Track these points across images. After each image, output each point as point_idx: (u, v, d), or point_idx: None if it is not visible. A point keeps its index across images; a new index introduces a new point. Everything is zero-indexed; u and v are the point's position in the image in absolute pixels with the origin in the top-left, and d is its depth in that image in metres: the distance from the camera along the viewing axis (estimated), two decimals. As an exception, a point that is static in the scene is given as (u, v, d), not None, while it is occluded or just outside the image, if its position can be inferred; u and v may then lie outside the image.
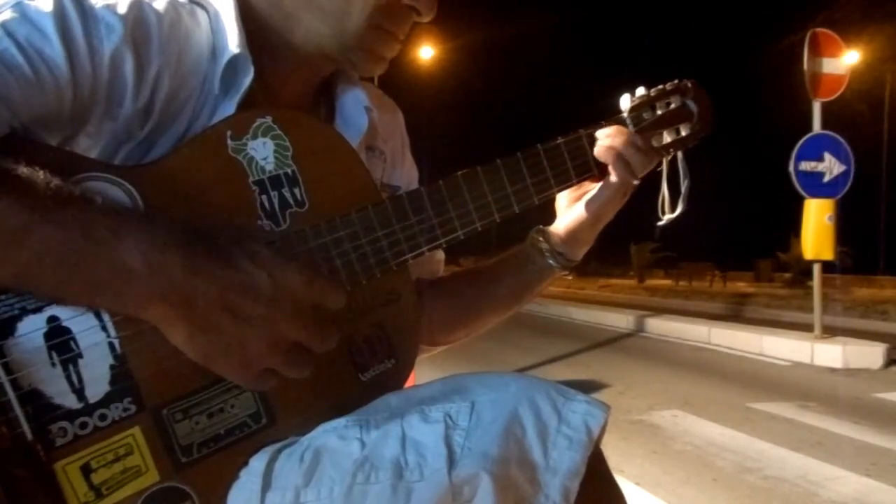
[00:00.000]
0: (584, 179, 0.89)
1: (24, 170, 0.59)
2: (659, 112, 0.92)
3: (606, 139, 0.87)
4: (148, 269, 0.59)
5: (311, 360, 0.66)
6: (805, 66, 6.48)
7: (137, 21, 0.70)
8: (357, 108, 0.86)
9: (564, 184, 0.87)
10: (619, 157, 0.86)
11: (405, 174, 0.97)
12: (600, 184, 0.90)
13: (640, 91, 0.92)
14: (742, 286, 17.87)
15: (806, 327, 7.02)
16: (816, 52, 6.49)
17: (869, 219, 26.29)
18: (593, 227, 0.92)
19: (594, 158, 0.88)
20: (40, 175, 0.60)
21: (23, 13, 0.65)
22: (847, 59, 6.95)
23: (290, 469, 0.67)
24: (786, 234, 16.39)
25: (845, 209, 7.08)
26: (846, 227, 7.92)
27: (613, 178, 0.87)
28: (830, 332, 6.70)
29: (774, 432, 3.95)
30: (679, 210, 0.95)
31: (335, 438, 0.69)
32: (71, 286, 0.59)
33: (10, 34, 0.64)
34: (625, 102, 0.91)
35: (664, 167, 0.94)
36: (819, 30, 6.61)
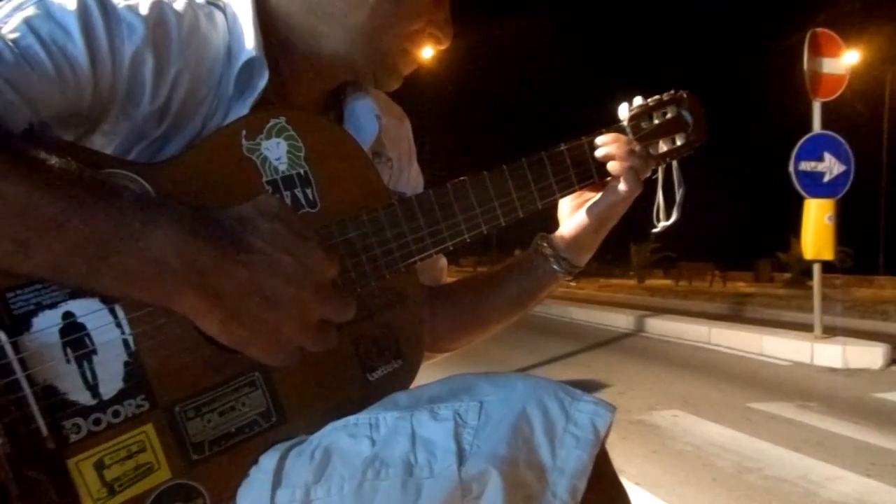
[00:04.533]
0: (586, 186, 0.91)
1: (56, 160, 0.60)
2: (656, 121, 0.94)
3: (608, 148, 0.89)
4: (179, 260, 0.59)
5: (335, 331, 0.67)
6: (805, 66, 6.49)
7: (158, 22, 0.71)
8: (367, 116, 0.87)
9: (567, 190, 0.89)
10: (627, 167, 0.88)
11: (412, 181, 0.99)
12: (603, 191, 0.91)
13: (638, 100, 0.95)
14: (742, 286, 17.89)
15: (806, 327, 7.02)
16: (816, 52, 6.50)
17: (869, 219, 26.29)
18: (597, 232, 0.94)
19: (595, 165, 0.90)
20: (73, 166, 0.60)
21: (47, 10, 0.66)
22: (847, 59, 6.95)
23: (301, 467, 0.68)
24: (786, 234, 16.40)
25: (845, 209, 7.09)
26: (846, 227, 7.92)
27: (622, 186, 0.89)
28: (830, 332, 6.70)
29: (774, 432, 3.96)
30: (674, 218, 0.97)
31: (345, 436, 0.70)
32: (103, 277, 0.60)
33: (33, 30, 0.65)
34: (623, 111, 0.93)
35: (660, 175, 0.97)
36: (819, 30, 6.62)
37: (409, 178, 0.98)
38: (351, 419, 0.72)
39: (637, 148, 0.90)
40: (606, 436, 0.69)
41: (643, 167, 0.90)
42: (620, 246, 19.47)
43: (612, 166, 0.89)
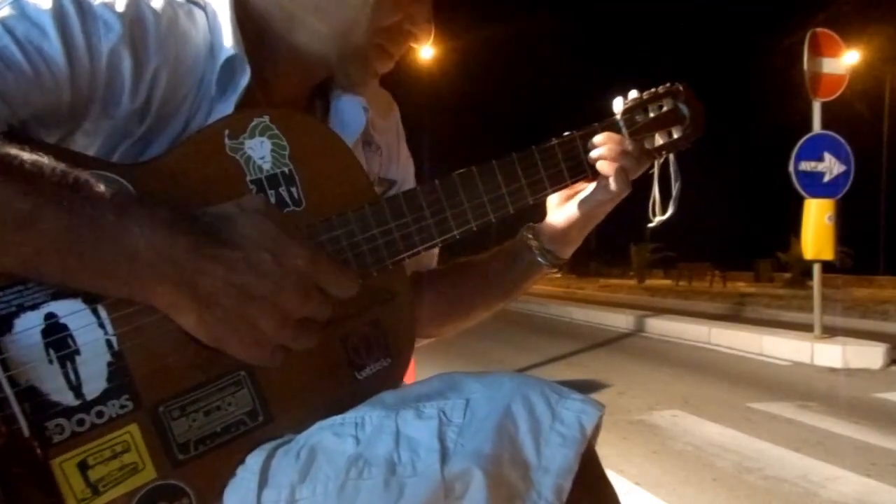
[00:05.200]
0: (578, 180, 0.90)
1: (28, 156, 0.59)
2: (651, 115, 0.93)
3: (602, 149, 0.88)
4: (154, 254, 0.59)
5: (318, 329, 0.66)
6: (805, 66, 6.49)
7: (135, 20, 0.71)
8: (355, 109, 0.86)
9: (558, 185, 0.89)
10: (617, 168, 0.88)
11: (402, 167, 0.98)
12: (593, 185, 0.91)
13: (633, 94, 0.94)
14: (742, 286, 17.90)
15: (806, 327, 7.02)
16: (816, 52, 6.50)
17: (869, 219, 26.29)
18: (584, 227, 0.94)
19: (587, 161, 0.89)
20: (45, 161, 0.59)
21: (22, 10, 0.66)
22: (847, 59, 6.96)
23: (286, 466, 0.68)
24: (786, 234, 16.41)
25: (845, 209, 7.08)
26: (846, 227, 7.92)
27: (613, 186, 0.88)
28: (830, 332, 6.70)
29: (774, 432, 3.95)
30: (670, 212, 0.96)
31: (330, 436, 0.69)
32: (78, 272, 0.59)
33: (9, 31, 0.65)
34: (618, 105, 0.93)
35: (656, 169, 0.96)
36: (819, 30, 6.62)
37: (398, 164, 0.98)
38: (337, 418, 0.71)
39: (630, 148, 0.89)
40: (596, 434, 0.68)
41: (634, 168, 0.90)
42: (620, 246, 19.49)
43: (601, 166, 0.88)
